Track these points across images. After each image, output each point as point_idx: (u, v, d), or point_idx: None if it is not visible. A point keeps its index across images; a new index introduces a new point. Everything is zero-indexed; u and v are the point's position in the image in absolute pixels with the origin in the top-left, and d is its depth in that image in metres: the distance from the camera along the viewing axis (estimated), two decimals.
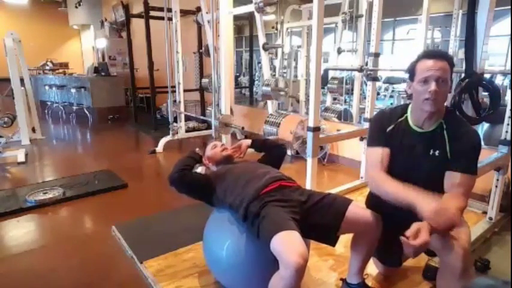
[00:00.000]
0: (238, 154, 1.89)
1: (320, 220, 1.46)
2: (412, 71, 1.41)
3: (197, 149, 1.84)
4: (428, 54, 1.39)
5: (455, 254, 1.24)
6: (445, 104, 1.43)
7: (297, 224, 1.35)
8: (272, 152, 1.93)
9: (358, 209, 1.47)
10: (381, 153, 1.47)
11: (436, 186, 1.38)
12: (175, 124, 4.75)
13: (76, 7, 9.04)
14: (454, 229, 1.26)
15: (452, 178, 1.35)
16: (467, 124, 1.45)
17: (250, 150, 1.94)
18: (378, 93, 6.64)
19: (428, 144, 1.42)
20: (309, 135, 2.25)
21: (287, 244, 1.22)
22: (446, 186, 1.36)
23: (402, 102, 6.01)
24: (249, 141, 1.91)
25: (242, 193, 1.52)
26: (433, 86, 1.31)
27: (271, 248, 1.25)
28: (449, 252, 1.25)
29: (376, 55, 2.87)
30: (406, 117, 1.48)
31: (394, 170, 1.46)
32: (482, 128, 3.60)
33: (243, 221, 1.50)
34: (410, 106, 1.49)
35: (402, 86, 6.74)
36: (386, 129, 1.49)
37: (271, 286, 1.26)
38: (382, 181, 1.41)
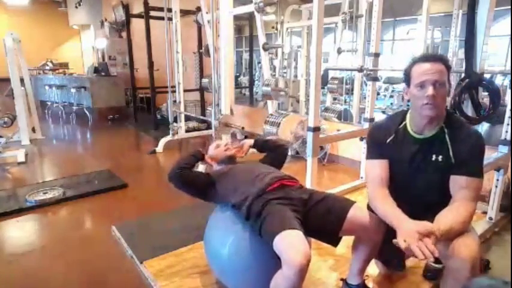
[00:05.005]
0: (240, 154, 1.90)
1: (321, 222, 1.46)
2: (407, 76, 1.37)
3: (201, 150, 1.86)
4: (423, 57, 1.36)
5: (463, 261, 1.20)
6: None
7: (300, 222, 1.34)
8: (274, 152, 1.93)
9: (359, 211, 1.46)
10: (378, 166, 1.44)
11: (439, 192, 1.36)
12: (175, 124, 4.75)
13: (76, 7, 9.03)
14: (462, 236, 1.24)
15: (457, 183, 1.32)
16: (469, 126, 1.43)
17: (252, 150, 1.94)
18: (378, 93, 6.66)
19: (429, 150, 1.38)
20: (309, 135, 2.25)
21: (290, 243, 1.21)
22: (452, 191, 1.33)
23: (402, 103, 6.03)
24: (251, 141, 1.93)
25: (246, 192, 1.52)
26: (430, 90, 1.28)
27: (274, 247, 1.24)
28: (455, 259, 1.21)
29: (376, 55, 2.87)
30: (405, 124, 1.45)
31: (395, 178, 1.43)
32: (482, 128, 3.60)
33: (245, 219, 1.50)
34: (409, 112, 1.46)
35: (402, 86, 6.75)
36: (386, 141, 1.45)
37: (274, 286, 1.26)
38: (375, 198, 1.40)
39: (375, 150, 1.49)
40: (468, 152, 1.32)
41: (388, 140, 1.45)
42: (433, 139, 1.38)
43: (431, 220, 1.24)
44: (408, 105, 1.49)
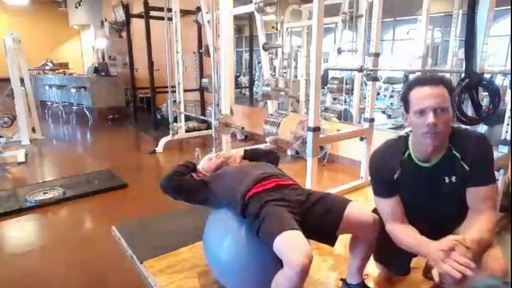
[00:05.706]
0: (233, 164, 1.94)
1: (319, 221, 1.46)
2: (406, 101, 1.27)
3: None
4: (421, 80, 1.24)
5: (494, 275, 1.16)
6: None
7: (298, 223, 1.35)
8: (264, 159, 1.96)
9: (356, 210, 1.46)
10: (389, 204, 1.37)
11: (456, 204, 1.31)
12: (175, 124, 4.75)
13: (76, 7, 9.03)
14: (490, 249, 1.21)
15: (474, 194, 1.26)
16: (470, 131, 1.37)
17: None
18: (378, 93, 6.66)
19: (442, 173, 1.30)
20: (309, 135, 2.25)
21: (291, 244, 1.22)
22: (469, 203, 1.28)
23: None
24: (241, 152, 2.00)
25: (237, 188, 1.55)
26: (430, 118, 1.17)
27: (275, 248, 1.25)
28: (487, 274, 1.16)
29: (376, 55, 2.87)
30: (409, 153, 1.34)
31: (409, 201, 1.37)
32: (482, 129, 3.60)
33: (242, 217, 1.51)
34: (410, 139, 1.35)
35: (402, 86, 6.76)
36: (392, 178, 1.34)
37: (275, 286, 1.26)
38: (395, 235, 1.35)
39: (383, 189, 1.39)
40: (478, 159, 1.26)
41: (395, 177, 1.34)
42: (443, 162, 1.29)
43: (454, 230, 1.22)
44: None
